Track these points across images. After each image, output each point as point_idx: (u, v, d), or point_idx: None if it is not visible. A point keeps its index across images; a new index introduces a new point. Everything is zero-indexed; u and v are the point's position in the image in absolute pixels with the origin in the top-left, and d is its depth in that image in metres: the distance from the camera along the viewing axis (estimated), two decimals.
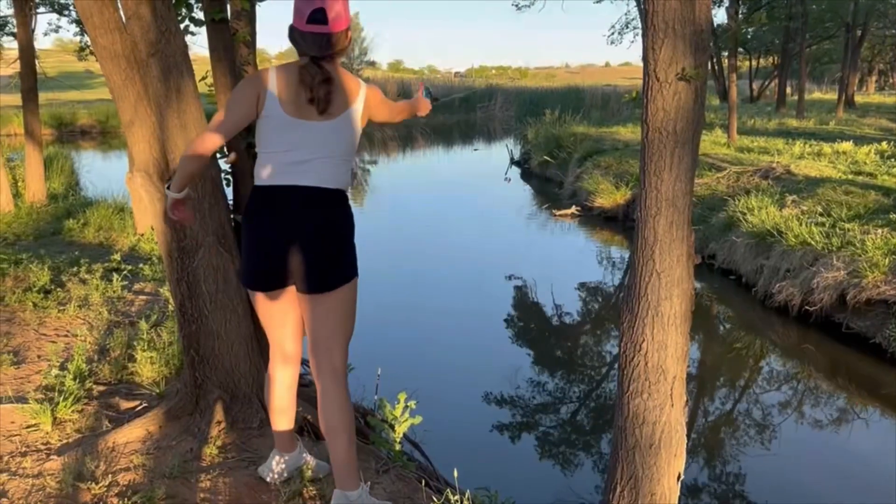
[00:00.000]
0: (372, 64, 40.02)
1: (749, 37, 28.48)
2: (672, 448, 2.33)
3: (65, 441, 3.24)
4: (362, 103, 2.57)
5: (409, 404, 3.57)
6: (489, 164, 21.16)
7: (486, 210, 14.04)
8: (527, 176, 18.13)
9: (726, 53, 20.57)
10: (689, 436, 5.22)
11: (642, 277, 2.26)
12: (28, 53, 9.29)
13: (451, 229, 12.37)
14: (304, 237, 2.49)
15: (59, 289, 5.42)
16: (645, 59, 2.17)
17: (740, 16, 23.53)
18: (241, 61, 3.71)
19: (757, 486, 4.51)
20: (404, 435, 3.76)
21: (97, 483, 2.81)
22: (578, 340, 7.63)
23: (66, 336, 4.56)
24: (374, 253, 9.96)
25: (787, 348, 7.25)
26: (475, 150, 25.87)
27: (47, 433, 3.29)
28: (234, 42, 3.44)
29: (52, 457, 3.08)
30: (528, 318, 8.13)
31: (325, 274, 2.53)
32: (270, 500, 2.82)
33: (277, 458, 2.92)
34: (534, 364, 6.58)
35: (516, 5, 24.03)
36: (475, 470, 4.44)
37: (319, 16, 2.38)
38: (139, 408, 3.58)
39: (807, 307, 7.23)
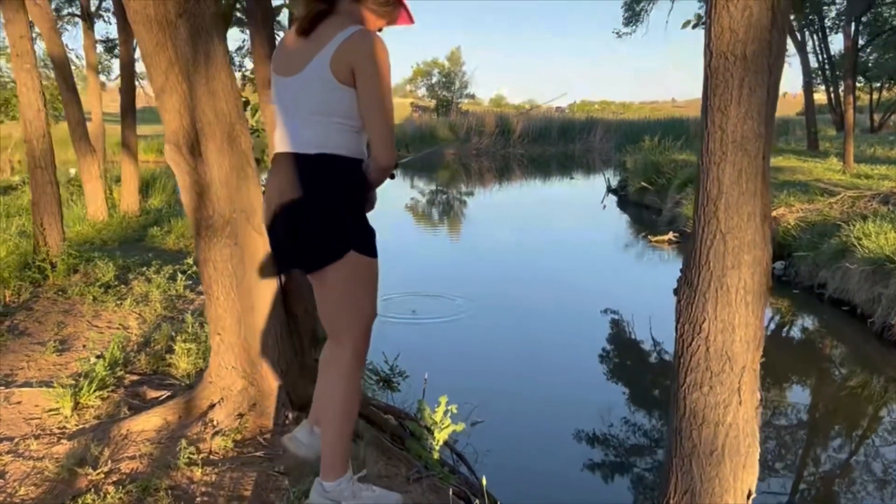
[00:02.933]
0: (472, 97, 40.23)
1: (870, 65, 26.77)
2: (740, 457, 1.86)
3: (81, 426, 3.05)
4: (333, 49, 2.04)
5: (450, 408, 3.20)
6: (586, 193, 20.61)
7: (580, 238, 13.50)
8: (623, 204, 17.46)
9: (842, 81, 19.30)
10: (796, 490, 4.67)
11: (704, 241, 1.83)
12: (129, 70, 9.62)
13: (543, 257, 11.85)
14: (287, 212, 2.16)
15: (122, 285, 5.38)
16: None
17: (860, 42, 22.22)
18: None
19: None
20: (448, 444, 3.40)
21: (96, 469, 2.58)
22: None
23: (117, 328, 4.46)
24: (466, 278, 9.70)
25: None
26: (571, 178, 25.35)
27: (66, 417, 3.12)
28: (273, 10, 3.24)
29: (62, 441, 2.89)
30: (623, 353, 7.48)
31: (309, 251, 2.17)
32: (277, 499, 2.51)
33: (308, 428, 2.51)
34: (628, 402, 5.95)
35: (617, 33, 23.53)
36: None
37: None
38: (163, 397, 3.36)
39: None
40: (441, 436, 3.16)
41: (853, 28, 18.94)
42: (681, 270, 1.94)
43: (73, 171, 12.01)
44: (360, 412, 3.03)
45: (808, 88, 19.04)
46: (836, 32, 23.17)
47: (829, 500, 4.50)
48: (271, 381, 3.14)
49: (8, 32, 5.41)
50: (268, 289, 3.10)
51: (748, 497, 1.88)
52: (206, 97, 2.92)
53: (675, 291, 1.95)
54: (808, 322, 8.69)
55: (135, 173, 9.79)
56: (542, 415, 5.34)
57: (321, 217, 2.12)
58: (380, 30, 2.24)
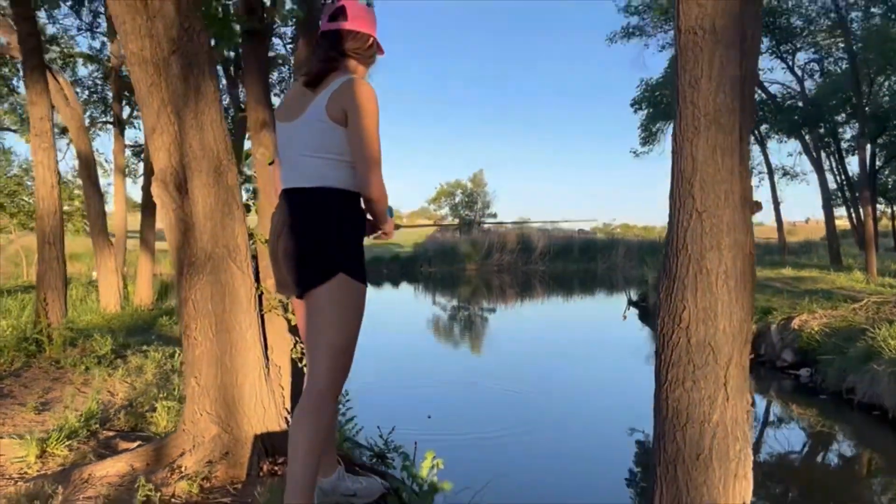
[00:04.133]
0: (494, 216, 40.82)
1: (889, 186, 26.87)
2: (730, 462, 1.66)
3: (43, 472, 2.87)
4: (328, 95, 2.33)
5: (436, 462, 2.98)
6: (607, 310, 20.36)
7: (603, 354, 13.16)
8: (644, 317, 17.19)
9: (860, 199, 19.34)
10: None
11: (680, 222, 1.72)
12: (152, 169, 9.90)
13: (564, 373, 11.47)
14: (283, 239, 2.42)
15: (118, 359, 5.27)
16: None
17: (878, 162, 22.42)
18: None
19: None
20: None
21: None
22: None
23: (105, 394, 4.31)
24: (484, 396, 9.36)
25: None
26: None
27: (29, 465, 2.94)
28: (267, 56, 3.31)
29: (18, 484, 2.71)
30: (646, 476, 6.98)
31: (299, 272, 2.38)
32: None
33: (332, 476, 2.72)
34: None
35: (634, 153, 24.03)
36: None
37: (337, 15, 2.47)
38: (135, 447, 3.18)
39: None
40: (427, 496, 2.92)
41: (869, 149, 19.18)
42: (661, 264, 1.81)
43: (94, 273, 12.17)
44: (347, 469, 2.86)
45: (828, 205, 19.08)
46: (853, 154, 23.44)
47: None
48: (247, 429, 2.97)
49: (30, 113, 5.60)
50: (248, 330, 2.99)
51: None
52: (194, 131, 2.93)
53: (656, 287, 1.82)
54: (839, 431, 8.23)
55: (150, 267, 9.88)
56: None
57: (316, 241, 2.35)
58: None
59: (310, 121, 2.35)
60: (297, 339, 3.26)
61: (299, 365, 3.34)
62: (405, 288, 26.84)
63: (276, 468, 2.97)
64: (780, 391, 9.46)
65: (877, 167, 22.59)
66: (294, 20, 3.39)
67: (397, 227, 2.64)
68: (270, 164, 3.20)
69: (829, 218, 19.05)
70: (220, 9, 3.27)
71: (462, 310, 21.07)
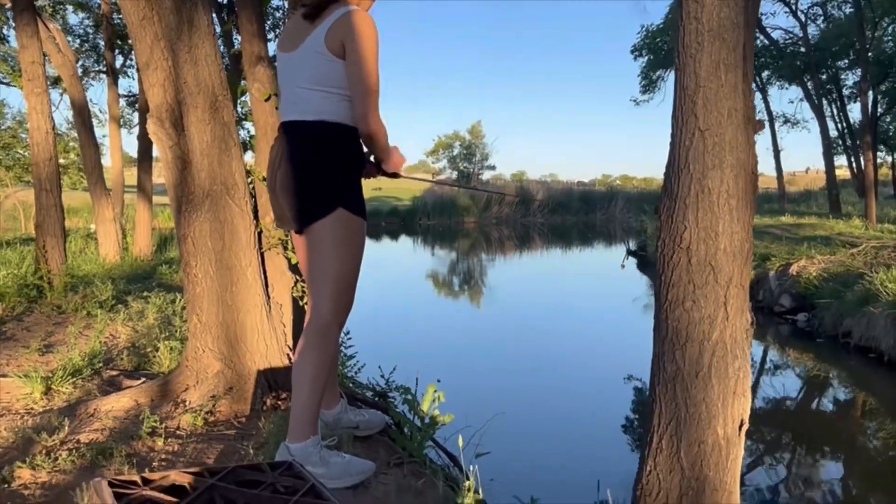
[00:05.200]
0: (493, 168, 40.58)
1: (891, 133, 26.69)
2: (728, 380, 1.68)
3: (49, 408, 2.90)
4: (328, 26, 2.27)
5: (437, 395, 3.00)
6: (606, 259, 20.41)
7: (600, 300, 13.25)
8: (643, 266, 17.25)
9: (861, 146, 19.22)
10: None
11: (682, 142, 1.70)
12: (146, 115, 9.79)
13: (562, 322, 11.58)
14: (282, 173, 2.39)
15: (119, 305, 5.29)
16: None
17: (879, 109, 22.23)
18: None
19: None
20: (435, 442, 3.19)
21: (52, 436, 2.43)
22: None
23: (107, 337, 4.34)
24: (482, 344, 9.45)
25: None
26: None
27: (35, 401, 2.97)
28: None
29: (25, 418, 2.74)
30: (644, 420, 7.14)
31: (297, 207, 2.37)
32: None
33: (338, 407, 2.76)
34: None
35: (635, 101, 23.80)
36: None
37: None
38: (139, 383, 3.21)
39: None
40: (428, 429, 2.96)
41: (871, 96, 18.99)
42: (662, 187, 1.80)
43: (92, 226, 12.14)
44: (349, 402, 2.89)
45: (828, 153, 18.98)
46: (855, 101, 23.23)
47: None
48: (249, 365, 3.00)
49: (21, 58, 5.51)
50: (248, 267, 2.99)
51: (740, 427, 1.69)
52: (189, 65, 2.89)
53: (656, 209, 1.81)
54: (835, 372, 8.33)
55: (148, 218, 9.85)
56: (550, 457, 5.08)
57: (315, 176, 2.33)
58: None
59: (308, 53, 2.31)
60: (298, 277, 3.26)
61: (300, 303, 3.35)
62: (404, 241, 26.86)
63: (278, 402, 3.01)
64: (778, 336, 9.54)
65: (878, 114, 22.42)
66: None
67: (396, 175, 2.58)
68: (267, 99, 3.16)
69: (830, 166, 18.97)
70: None
71: (461, 262, 21.13)
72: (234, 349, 2.97)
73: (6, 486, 2.09)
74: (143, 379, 3.28)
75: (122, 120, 11.86)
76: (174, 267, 8.11)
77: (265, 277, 3.14)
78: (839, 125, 23.95)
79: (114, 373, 3.50)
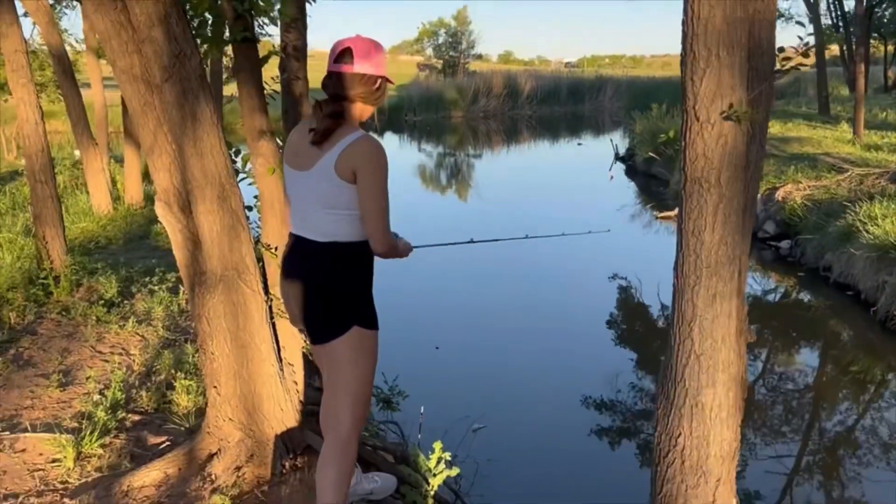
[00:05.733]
0: (479, 57, 39.58)
1: (886, 20, 26.12)
2: None
3: (84, 480, 3.13)
4: (337, 153, 2.35)
5: (444, 455, 3.26)
6: (594, 159, 20.44)
7: (587, 207, 13.48)
8: (631, 173, 17.35)
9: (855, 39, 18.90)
10: (799, 465, 4.83)
11: (679, 359, 1.85)
12: None
13: (547, 226, 11.89)
14: (298, 287, 2.51)
15: (125, 300, 5.44)
16: (683, 91, 1.75)
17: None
18: (292, 75, 3.51)
19: None
20: (446, 484, 3.48)
21: None
22: None
23: (120, 353, 4.52)
24: (463, 247, 9.76)
25: None
26: (579, 144, 25.10)
27: (69, 469, 3.19)
28: (261, 61, 3.21)
29: (64, 500, 2.97)
30: (632, 320, 7.72)
31: (318, 326, 2.51)
32: None
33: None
34: (635, 368, 6.21)
35: None
36: None
37: (343, 56, 2.42)
38: (164, 445, 3.44)
39: None
40: (435, 482, 3.22)
41: None
42: (658, 380, 1.96)
43: (77, 153, 12.00)
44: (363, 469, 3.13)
45: (821, 52, 18.67)
46: None
47: (827, 478, 4.65)
48: (268, 432, 3.21)
49: (3, 48, 5.36)
50: (262, 343, 3.14)
51: None
52: (194, 158, 2.92)
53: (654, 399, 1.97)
54: (813, 304, 8.70)
55: (138, 162, 9.78)
56: (548, 400, 5.51)
57: (329, 298, 2.46)
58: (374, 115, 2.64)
59: (319, 177, 2.39)
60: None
61: (310, 358, 3.54)
62: (390, 138, 26.61)
63: (297, 464, 3.25)
64: (761, 261, 9.86)
65: (874, 2, 21.88)
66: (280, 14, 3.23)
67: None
68: (271, 173, 3.20)
69: (821, 65, 18.71)
70: (210, 27, 3.11)
71: (444, 168, 21.05)
72: (252, 418, 3.18)
73: None
74: (166, 439, 3.49)
75: (100, 50, 11.46)
76: None
77: (277, 342, 3.30)
78: (833, 14, 23.41)
79: (136, 417, 3.71)
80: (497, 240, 3.26)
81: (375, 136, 2.46)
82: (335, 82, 2.42)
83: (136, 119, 3.00)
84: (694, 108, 1.72)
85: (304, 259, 2.50)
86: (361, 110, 2.48)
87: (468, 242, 3.15)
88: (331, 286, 2.46)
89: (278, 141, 3.30)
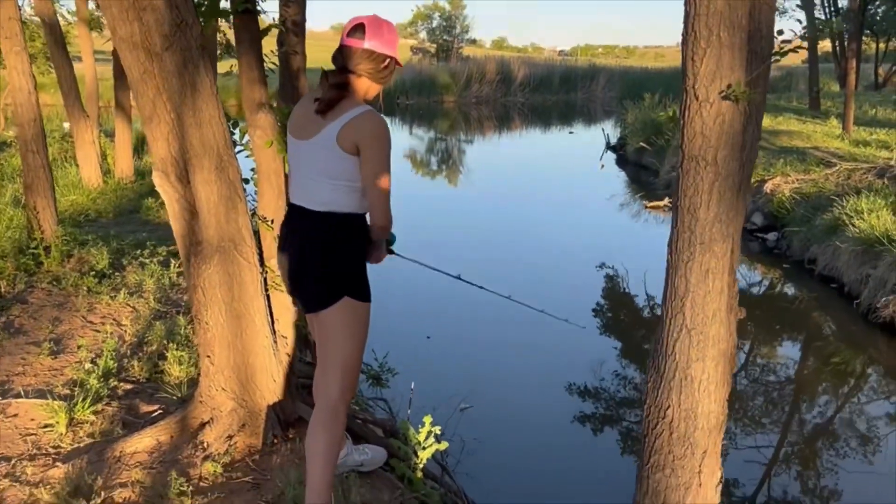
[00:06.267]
0: (473, 42, 39.47)
1: (878, 18, 26.23)
2: None
3: (76, 445, 3.16)
4: (341, 125, 2.39)
5: (433, 429, 3.31)
6: (585, 148, 20.49)
7: (576, 196, 13.56)
8: (622, 162, 17.42)
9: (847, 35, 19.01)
10: (778, 455, 4.95)
11: (670, 333, 1.90)
12: None
13: (538, 215, 12.01)
14: (295, 254, 2.55)
15: (116, 272, 5.44)
16: (683, 70, 1.79)
17: None
18: (290, 49, 3.51)
19: None
20: (434, 458, 3.53)
21: (90, 501, 2.69)
22: None
23: (112, 324, 4.53)
24: (455, 236, 9.87)
25: (890, 369, 6.56)
26: (571, 132, 25.13)
27: (61, 434, 3.22)
28: (261, 34, 3.22)
29: (57, 463, 2.99)
30: (618, 308, 7.82)
31: (310, 293, 2.56)
32: None
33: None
34: (619, 358, 6.33)
35: None
36: (523, 496, 4.19)
37: (355, 31, 2.47)
38: (156, 413, 3.46)
39: None
40: (424, 455, 3.27)
41: None
42: (649, 354, 2.01)
43: (66, 125, 11.90)
44: (347, 426, 3.16)
45: (813, 46, 18.74)
46: None
47: (804, 467, 4.78)
48: (260, 402, 3.24)
49: None
50: (257, 314, 3.16)
51: None
52: (193, 128, 2.93)
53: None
54: (797, 296, 8.82)
55: (129, 135, 9.74)
56: (535, 384, 5.59)
57: (323, 267, 2.49)
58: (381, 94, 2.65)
59: (320, 147, 2.43)
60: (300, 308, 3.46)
61: (303, 331, 3.57)
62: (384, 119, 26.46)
63: (288, 434, 3.29)
64: (748, 252, 9.96)
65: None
66: None
67: (391, 252, 2.75)
68: (269, 146, 3.22)
69: (814, 60, 18.82)
70: None
71: (435, 153, 21.05)
72: (245, 388, 3.21)
73: None
74: (158, 407, 3.52)
75: (92, 22, 11.37)
76: (158, 198, 8.16)
77: (271, 314, 3.32)
78: (827, 10, 23.51)
79: (128, 386, 3.73)
80: (483, 287, 3.30)
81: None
82: (344, 55, 2.47)
83: (135, 88, 3.00)
84: (693, 87, 1.75)
85: (300, 227, 2.54)
86: (368, 87, 2.52)
87: (455, 277, 3.18)
88: (325, 255, 2.49)
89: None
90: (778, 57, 1.82)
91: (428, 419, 3.32)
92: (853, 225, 8.29)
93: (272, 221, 3.29)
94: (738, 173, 1.80)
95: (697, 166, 1.78)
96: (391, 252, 2.77)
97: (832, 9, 23.43)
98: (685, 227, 1.82)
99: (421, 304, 7.27)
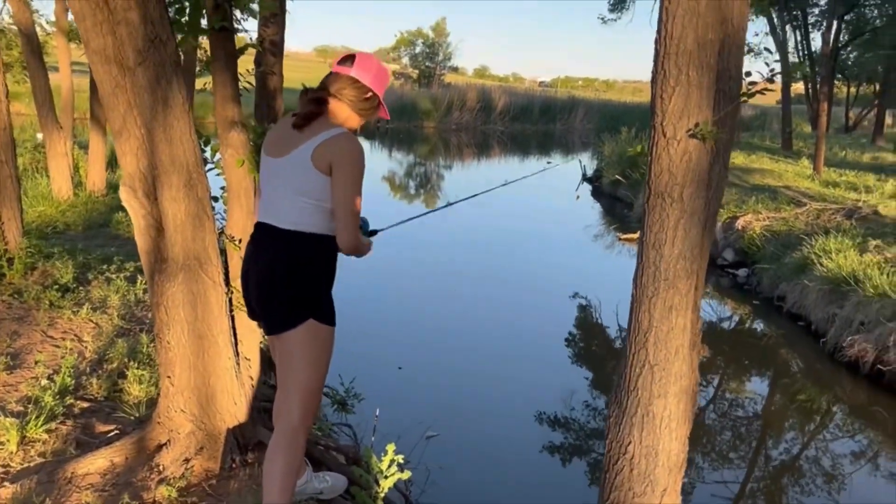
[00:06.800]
0: (455, 70, 39.79)
1: (850, 63, 26.95)
2: None
3: (26, 465, 3.06)
4: (316, 143, 2.39)
5: (396, 458, 3.26)
6: (561, 178, 20.65)
7: (551, 226, 13.63)
8: (597, 194, 17.58)
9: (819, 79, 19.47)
10: (744, 491, 4.95)
11: (633, 368, 1.89)
12: None
13: (512, 244, 12.04)
14: (258, 274, 2.52)
15: (80, 287, 5.34)
16: (652, 108, 1.80)
17: (841, 41, 22.34)
18: (267, 69, 3.51)
19: None
20: (396, 487, 3.48)
21: None
22: None
23: (72, 339, 4.44)
24: (429, 263, 9.85)
25: (854, 408, 6.62)
26: (549, 162, 25.32)
27: (11, 453, 3.12)
28: (237, 52, 3.20)
29: (5, 483, 2.90)
30: (589, 339, 7.82)
31: (274, 313, 2.51)
32: None
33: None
34: (589, 388, 6.29)
35: (602, 19, 23.42)
36: None
37: (346, 60, 2.54)
38: (112, 433, 3.38)
39: (880, 366, 6.57)
40: (386, 484, 3.22)
41: (835, 28, 19.06)
42: (612, 389, 1.99)
43: (39, 135, 11.75)
44: (307, 452, 3.10)
45: (787, 88, 19.17)
46: (819, 29, 23.29)
47: (755, 498, 4.84)
48: (220, 425, 3.18)
49: None
50: (220, 335, 3.11)
51: None
52: (163, 144, 2.90)
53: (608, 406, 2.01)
54: (766, 333, 8.90)
55: (103, 148, 9.62)
56: (504, 414, 5.56)
57: (288, 287, 2.45)
58: (359, 128, 2.64)
59: (295, 164, 2.42)
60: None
61: (268, 354, 3.52)
62: (360, 143, 26.49)
63: (247, 459, 3.22)
64: (718, 288, 10.05)
65: (840, 44, 22.56)
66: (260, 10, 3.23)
67: (372, 234, 2.77)
68: (240, 165, 3.19)
69: (787, 101, 19.22)
70: (188, 14, 3.09)
71: (414, 177, 21.08)
72: (204, 411, 3.14)
73: None
74: (115, 427, 3.44)
75: (70, 33, 11.28)
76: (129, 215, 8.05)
77: (234, 335, 3.27)
78: (801, 53, 24.09)
79: (85, 405, 3.64)
80: (475, 195, 3.30)
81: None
82: (329, 79, 2.52)
83: (107, 101, 2.96)
84: (662, 125, 1.76)
85: (266, 245, 2.51)
86: (348, 115, 2.52)
87: (446, 206, 3.23)
88: (290, 276, 2.45)
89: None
90: (745, 98, 1.84)
91: (391, 447, 3.27)
92: (821, 264, 8.42)
93: (240, 241, 3.26)
94: (704, 211, 1.80)
95: (663, 203, 1.78)
96: (372, 234, 2.78)
97: (805, 52, 24.01)
98: (650, 263, 1.82)
99: (391, 329, 7.23)
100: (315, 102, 2.46)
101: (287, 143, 2.46)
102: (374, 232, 2.84)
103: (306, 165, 2.38)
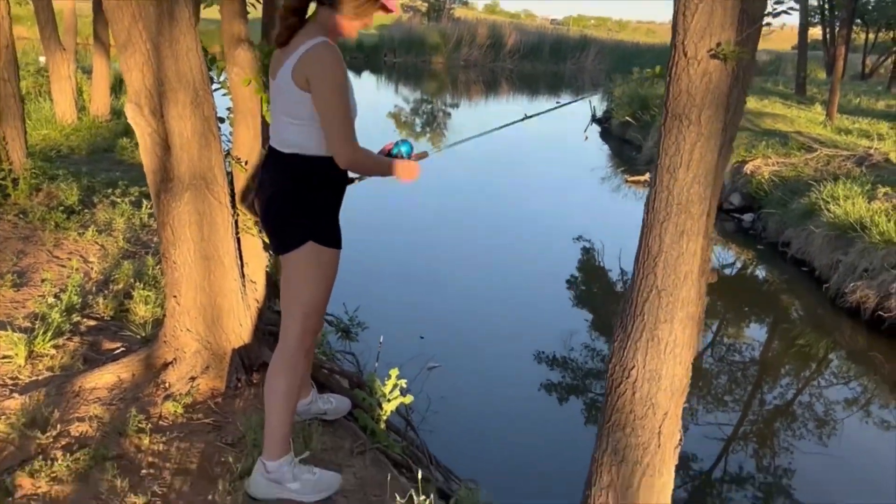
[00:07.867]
0: (465, 3, 38.96)
1: (870, 6, 26.26)
2: (654, 491, 1.97)
3: (34, 378, 3.11)
4: (295, 59, 2.27)
5: (399, 382, 3.30)
6: (570, 119, 20.40)
7: (558, 167, 13.52)
8: (606, 135, 17.38)
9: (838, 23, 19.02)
10: (737, 433, 5.03)
11: (640, 293, 1.88)
12: None
13: (517, 185, 11.96)
14: (263, 197, 2.53)
15: (86, 209, 5.34)
16: (674, 26, 1.74)
17: None
18: None
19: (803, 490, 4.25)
20: (398, 412, 3.53)
21: (45, 433, 2.65)
22: None
23: (78, 260, 4.45)
24: (434, 201, 9.79)
25: (853, 353, 6.66)
26: (558, 102, 24.96)
27: (19, 367, 3.16)
28: None
29: (14, 395, 2.94)
30: (591, 282, 7.84)
31: (276, 236, 2.52)
32: (223, 472, 2.61)
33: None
34: (589, 329, 6.35)
35: None
36: (486, 456, 4.21)
37: None
38: (118, 350, 3.41)
39: (881, 312, 6.58)
40: (389, 407, 3.26)
41: None
42: (618, 313, 1.99)
43: (42, 58, 11.60)
44: (312, 375, 3.14)
45: (804, 31, 18.72)
46: None
47: (763, 445, 4.86)
48: (225, 345, 3.20)
49: None
50: (226, 256, 3.11)
51: None
52: (170, 60, 2.84)
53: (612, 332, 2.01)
54: (768, 277, 8.91)
55: (107, 72, 9.50)
56: (504, 350, 5.62)
57: (288, 209, 2.43)
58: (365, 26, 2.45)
59: (281, 85, 2.34)
60: (271, 255, 3.41)
61: (274, 278, 3.53)
62: (367, 78, 26.17)
63: (252, 379, 3.26)
64: (723, 232, 10.02)
65: None
66: None
67: (421, 158, 2.65)
68: (247, 84, 3.13)
69: (803, 45, 18.79)
70: None
71: (422, 113, 20.85)
72: (210, 330, 3.17)
73: (10, 498, 2.33)
74: (121, 345, 3.47)
75: None
76: (133, 140, 8.00)
77: (241, 257, 3.27)
78: None
79: (91, 323, 3.67)
80: (506, 125, 3.18)
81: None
82: None
83: (111, 13, 2.89)
84: (683, 44, 1.71)
85: (270, 169, 2.50)
86: (337, 21, 2.32)
87: (523, 119, 3.13)
88: (290, 199, 2.42)
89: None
90: (770, 20, 1.79)
91: (394, 372, 3.31)
92: (828, 210, 8.36)
93: (246, 163, 3.23)
94: (721, 135, 1.77)
95: (680, 125, 1.75)
96: (421, 157, 2.65)
97: None
98: (663, 187, 1.79)
99: (399, 267, 7.24)
100: (293, 12, 2.31)
101: (277, 63, 2.37)
102: (424, 154, 2.69)
103: (290, 85, 2.29)
